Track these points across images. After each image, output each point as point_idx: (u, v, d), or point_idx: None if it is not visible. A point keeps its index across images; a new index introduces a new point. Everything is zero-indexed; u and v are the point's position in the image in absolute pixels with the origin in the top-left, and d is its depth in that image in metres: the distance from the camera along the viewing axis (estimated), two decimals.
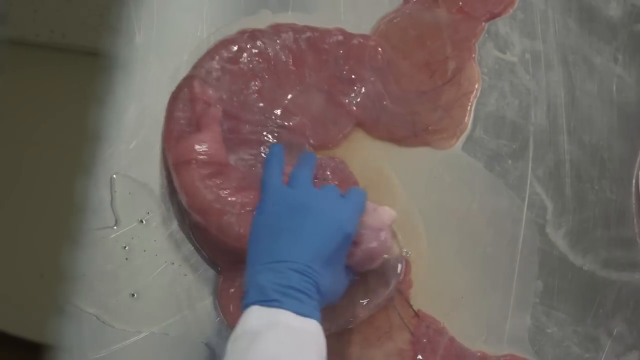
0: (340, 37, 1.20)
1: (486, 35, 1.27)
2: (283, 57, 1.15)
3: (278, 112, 1.14)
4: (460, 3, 1.27)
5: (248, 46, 1.13)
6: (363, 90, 1.19)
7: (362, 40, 1.21)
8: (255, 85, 1.13)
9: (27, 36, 1.34)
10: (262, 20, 1.18)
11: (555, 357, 1.14)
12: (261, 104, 1.13)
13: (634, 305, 1.17)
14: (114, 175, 1.09)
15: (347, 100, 1.18)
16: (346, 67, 1.19)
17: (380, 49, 1.21)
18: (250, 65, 1.13)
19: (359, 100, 1.18)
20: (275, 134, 1.13)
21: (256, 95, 1.13)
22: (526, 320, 1.15)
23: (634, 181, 1.25)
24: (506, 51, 1.28)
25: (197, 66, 1.12)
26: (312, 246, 0.96)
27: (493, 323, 1.14)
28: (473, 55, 1.27)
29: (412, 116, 1.21)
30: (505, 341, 1.13)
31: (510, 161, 1.21)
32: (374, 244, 1.03)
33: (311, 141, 1.15)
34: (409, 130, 1.21)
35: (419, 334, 1.09)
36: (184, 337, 1.03)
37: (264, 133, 1.12)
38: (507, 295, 1.15)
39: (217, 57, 1.12)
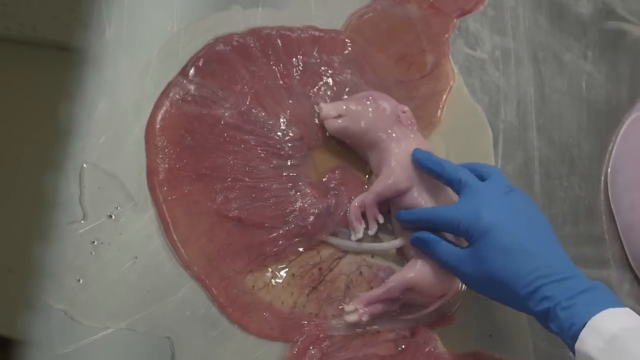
0: (313, 33, 1.21)
1: (457, 32, 1.28)
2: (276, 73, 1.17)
3: (280, 124, 1.16)
4: None
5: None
6: (339, 80, 1.19)
7: (333, 35, 1.21)
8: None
9: None
10: (233, 16, 1.19)
11: (522, 353, 1.14)
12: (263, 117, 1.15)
13: None
14: (83, 170, 1.09)
15: (327, 98, 1.19)
16: (321, 63, 1.19)
17: (349, 41, 1.22)
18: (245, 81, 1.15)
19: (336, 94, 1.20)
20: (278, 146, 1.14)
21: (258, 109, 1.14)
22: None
23: (602, 178, 1.25)
24: (476, 48, 1.28)
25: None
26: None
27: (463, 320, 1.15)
28: (449, 52, 1.27)
29: None
30: (473, 338, 1.14)
31: (479, 159, 1.21)
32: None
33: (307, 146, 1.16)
34: None
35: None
36: (152, 332, 1.03)
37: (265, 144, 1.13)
38: None
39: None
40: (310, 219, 1.11)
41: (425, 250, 1.08)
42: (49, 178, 1.08)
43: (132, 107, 1.13)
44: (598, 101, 1.29)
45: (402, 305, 1.10)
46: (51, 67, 1.16)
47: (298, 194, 1.12)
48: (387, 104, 1.13)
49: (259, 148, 1.13)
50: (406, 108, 1.15)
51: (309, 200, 1.12)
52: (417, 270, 1.08)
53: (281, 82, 1.18)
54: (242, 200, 1.11)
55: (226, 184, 1.11)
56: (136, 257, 1.06)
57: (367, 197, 1.12)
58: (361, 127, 1.13)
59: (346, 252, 1.12)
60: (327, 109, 1.14)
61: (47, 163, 1.09)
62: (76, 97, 1.12)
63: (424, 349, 1.08)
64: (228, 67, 1.16)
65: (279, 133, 1.15)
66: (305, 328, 1.07)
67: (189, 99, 1.14)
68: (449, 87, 1.25)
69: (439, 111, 1.23)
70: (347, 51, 1.22)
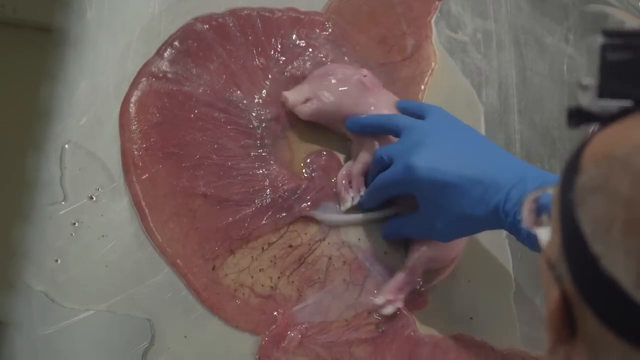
0: (294, 15, 1.21)
1: (438, 14, 1.28)
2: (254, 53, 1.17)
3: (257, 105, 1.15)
4: None
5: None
6: (318, 62, 1.19)
7: (313, 17, 1.21)
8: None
9: None
10: None
11: (505, 335, 1.14)
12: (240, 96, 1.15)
13: None
14: (64, 151, 1.09)
15: (304, 69, 1.19)
16: (299, 44, 1.19)
17: (330, 23, 1.22)
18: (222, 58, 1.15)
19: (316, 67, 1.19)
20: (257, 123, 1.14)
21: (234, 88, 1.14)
22: None
23: None
24: (458, 31, 1.29)
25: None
26: None
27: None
28: (430, 34, 1.27)
29: None
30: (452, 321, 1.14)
31: None
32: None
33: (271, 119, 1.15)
34: None
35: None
36: (133, 313, 1.03)
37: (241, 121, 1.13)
38: None
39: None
40: (278, 201, 1.11)
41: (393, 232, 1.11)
42: (29, 159, 1.07)
43: (113, 88, 1.13)
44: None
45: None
46: (32, 48, 1.15)
47: (266, 173, 1.12)
48: (348, 72, 1.13)
49: (229, 126, 1.13)
50: (365, 71, 1.14)
51: (278, 180, 1.11)
52: (428, 241, 1.08)
53: (258, 62, 1.17)
54: (208, 178, 1.10)
55: (193, 162, 1.10)
56: (117, 239, 1.06)
57: (355, 166, 1.12)
58: (332, 103, 1.12)
59: (327, 234, 1.12)
60: (293, 96, 1.13)
61: (27, 144, 1.08)
62: (57, 78, 1.12)
63: (404, 333, 1.08)
64: (204, 46, 1.16)
65: (252, 113, 1.14)
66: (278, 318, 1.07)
67: (160, 75, 1.13)
68: (430, 70, 1.25)
69: (420, 94, 1.23)
70: (327, 32, 1.21)
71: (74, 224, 1.06)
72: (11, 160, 1.09)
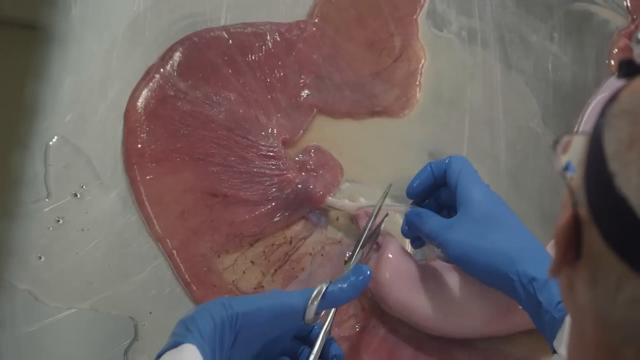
0: (286, 35, 1.23)
1: (424, 12, 1.28)
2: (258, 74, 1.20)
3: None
4: None
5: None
6: (321, 83, 1.22)
7: (306, 36, 1.23)
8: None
9: None
10: None
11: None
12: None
13: None
14: (49, 149, 1.09)
15: (307, 97, 1.21)
16: (300, 71, 1.21)
17: (320, 34, 1.24)
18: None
19: (318, 95, 1.21)
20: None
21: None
22: None
23: None
24: (443, 29, 1.29)
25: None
26: None
27: None
28: (417, 31, 1.28)
29: (370, 100, 1.23)
30: None
31: (448, 138, 1.22)
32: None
33: (280, 142, 1.17)
34: (368, 111, 1.23)
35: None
36: (116, 312, 1.03)
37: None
38: None
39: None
40: (291, 196, 1.12)
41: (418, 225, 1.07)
42: (13, 156, 1.08)
43: (98, 86, 1.13)
44: (564, 82, 1.29)
45: None
46: (17, 45, 1.15)
47: (279, 172, 1.14)
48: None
49: (247, 146, 1.15)
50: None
51: (289, 179, 1.13)
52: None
53: (269, 96, 1.19)
54: (230, 181, 1.12)
55: (216, 168, 1.13)
56: (101, 236, 1.06)
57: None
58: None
59: (312, 232, 1.12)
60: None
61: (12, 141, 1.08)
62: (42, 76, 1.12)
63: (378, 333, 1.08)
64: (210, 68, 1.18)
65: (265, 141, 1.16)
66: None
67: (182, 96, 1.15)
68: (421, 65, 1.26)
69: (417, 89, 1.24)
70: (320, 50, 1.23)
71: (58, 221, 1.06)
72: None
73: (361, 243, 1.05)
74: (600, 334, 0.59)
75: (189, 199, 1.11)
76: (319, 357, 0.96)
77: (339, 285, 0.95)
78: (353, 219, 1.13)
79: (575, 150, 0.61)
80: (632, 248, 0.54)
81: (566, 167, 0.62)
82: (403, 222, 1.08)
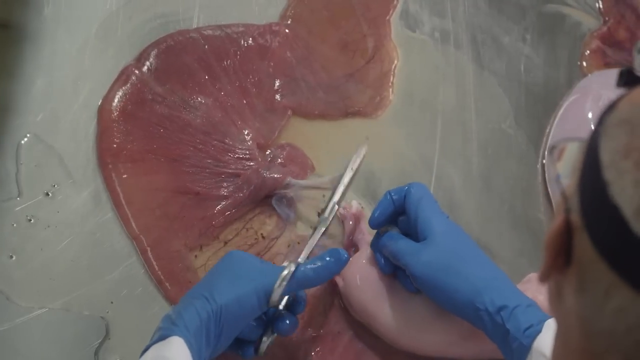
0: (251, 42, 1.23)
1: (397, 13, 1.29)
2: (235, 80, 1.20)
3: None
4: None
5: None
6: (295, 85, 1.23)
7: (278, 40, 1.23)
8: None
9: None
10: None
11: None
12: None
13: None
14: (20, 147, 1.08)
15: (282, 100, 1.21)
16: (274, 74, 1.22)
17: (293, 37, 1.24)
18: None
19: (292, 97, 1.22)
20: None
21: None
22: None
23: (540, 161, 1.27)
24: (416, 29, 1.29)
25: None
26: None
27: None
28: (389, 32, 1.28)
29: (344, 102, 1.23)
30: None
31: (421, 139, 1.23)
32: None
33: (256, 145, 1.17)
34: (342, 113, 1.23)
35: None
36: (87, 311, 1.02)
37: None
38: None
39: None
40: (258, 182, 1.13)
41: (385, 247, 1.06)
42: None
43: (71, 85, 1.13)
44: (536, 84, 1.30)
45: None
46: None
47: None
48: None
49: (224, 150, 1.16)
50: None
51: (256, 169, 1.14)
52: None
53: (244, 101, 1.19)
54: (204, 181, 1.13)
55: (191, 169, 1.14)
56: (73, 236, 1.06)
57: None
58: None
59: (283, 230, 1.12)
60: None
61: None
62: (14, 74, 1.12)
63: (343, 338, 1.08)
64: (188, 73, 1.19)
65: (242, 144, 1.16)
66: None
67: (159, 99, 1.15)
68: (393, 66, 1.26)
69: (390, 89, 1.25)
70: (293, 52, 1.23)
71: (30, 220, 1.05)
72: None
73: (335, 197, 1.07)
74: (585, 342, 0.59)
75: (162, 197, 1.11)
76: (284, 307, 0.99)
77: (312, 265, 0.96)
78: (340, 218, 1.13)
79: (569, 157, 0.62)
80: (622, 258, 0.54)
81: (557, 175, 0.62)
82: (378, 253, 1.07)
